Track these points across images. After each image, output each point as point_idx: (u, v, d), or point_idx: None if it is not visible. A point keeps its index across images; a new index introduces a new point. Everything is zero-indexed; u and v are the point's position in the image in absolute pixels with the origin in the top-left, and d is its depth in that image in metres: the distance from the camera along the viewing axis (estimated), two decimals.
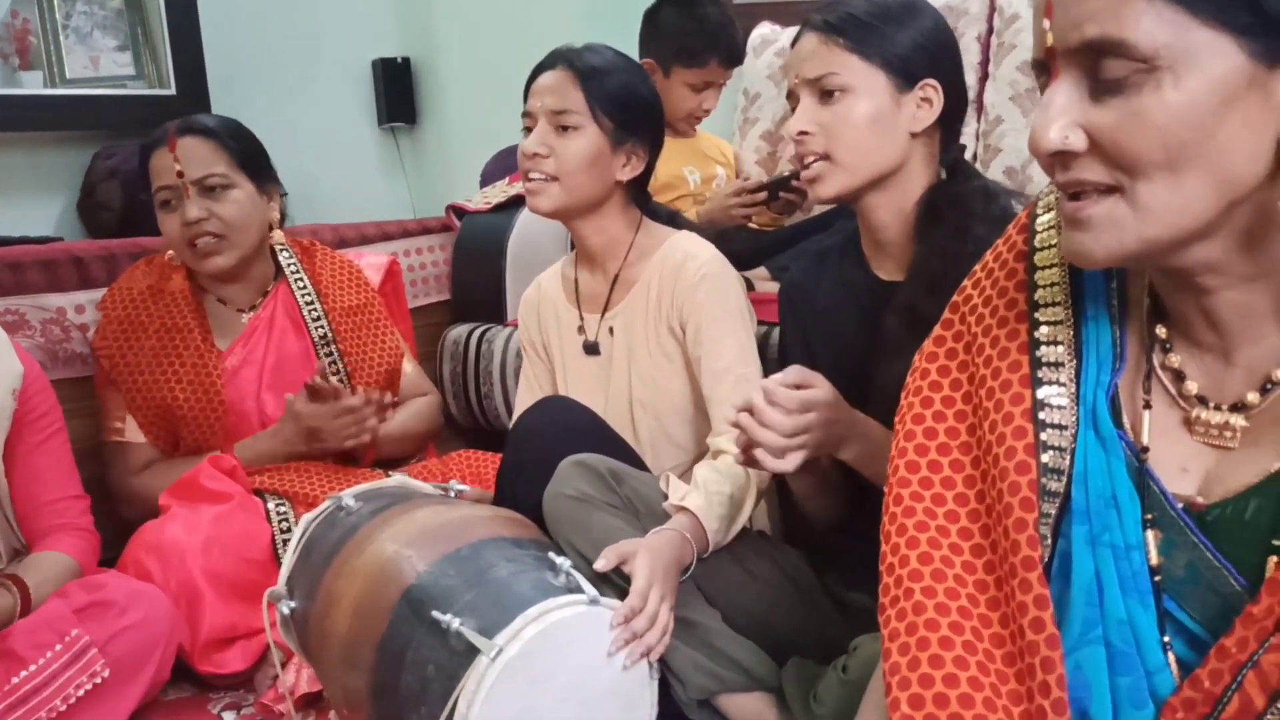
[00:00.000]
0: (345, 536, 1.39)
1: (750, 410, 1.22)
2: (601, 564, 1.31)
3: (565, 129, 1.61)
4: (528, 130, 1.65)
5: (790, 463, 1.24)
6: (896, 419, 0.92)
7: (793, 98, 1.39)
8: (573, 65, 1.62)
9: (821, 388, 1.25)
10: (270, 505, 1.77)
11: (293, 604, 1.41)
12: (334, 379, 1.94)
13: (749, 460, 1.26)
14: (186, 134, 1.88)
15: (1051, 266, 0.86)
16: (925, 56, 1.33)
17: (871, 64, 1.32)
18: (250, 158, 1.94)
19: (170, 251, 1.95)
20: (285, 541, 1.69)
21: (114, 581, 1.57)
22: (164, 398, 1.88)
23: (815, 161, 1.35)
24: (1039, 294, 0.86)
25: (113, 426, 1.92)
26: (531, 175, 1.63)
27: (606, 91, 1.62)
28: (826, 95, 1.33)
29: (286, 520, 1.74)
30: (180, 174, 1.84)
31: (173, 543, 1.63)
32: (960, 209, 1.31)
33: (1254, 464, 0.75)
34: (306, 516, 1.48)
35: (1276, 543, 0.72)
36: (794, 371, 1.26)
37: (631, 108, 1.64)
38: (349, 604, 1.31)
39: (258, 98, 3.25)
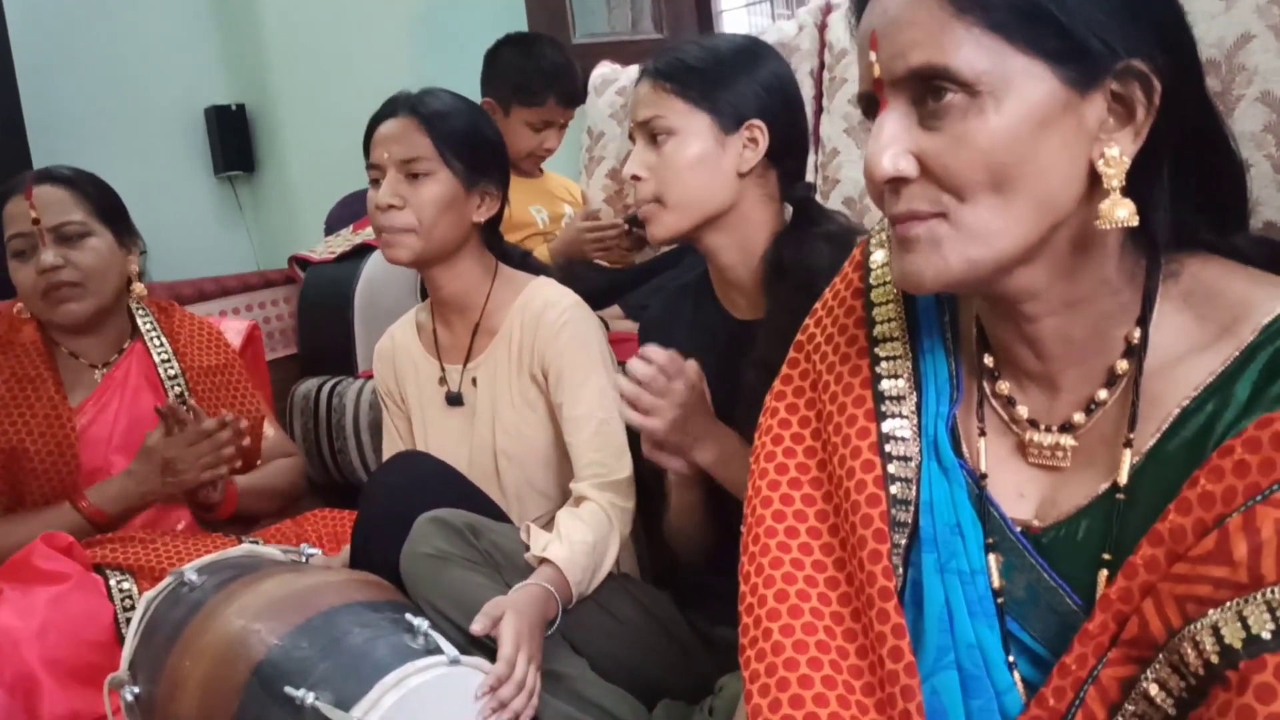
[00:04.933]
0: (189, 614, 1.32)
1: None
2: (478, 627, 1.28)
3: (416, 176, 1.58)
4: (375, 182, 1.61)
5: (654, 422, 1.30)
6: (751, 458, 0.93)
7: (633, 142, 1.42)
8: (415, 111, 1.60)
9: (690, 370, 1.31)
10: (112, 581, 1.66)
11: (136, 689, 1.33)
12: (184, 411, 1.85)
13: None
14: (44, 182, 1.83)
15: (887, 303, 0.88)
16: (752, 99, 1.36)
17: (695, 106, 1.35)
18: (109, 208, 1.89)
19: (19, 305, 1.86)
20: (129, 619, 1.59)
21: None
22: (13, 448, 1.78)
23: (648, 204, 1.38)
24: (877, 330, 0.88)
25: None
26: (387, 227, 1.59)
27: (453, 134, 1.59)
28: (655, 139, 1.36)
29: (130, 597, 1.64)
30: (36, 220, 1.78)
31: (4, 630, 1.51)
32: (802, 262, 1.33)
33: (1083, 486, 0.78)
34: (147, 595, 1.40)
35: (1106, 556, 0.75)
36: (665, 352, 1.32)
37: (479, 148, 1.63)
38: (196, 685, 1.24)
39: (83, 151, 3.10)
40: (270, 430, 2.07)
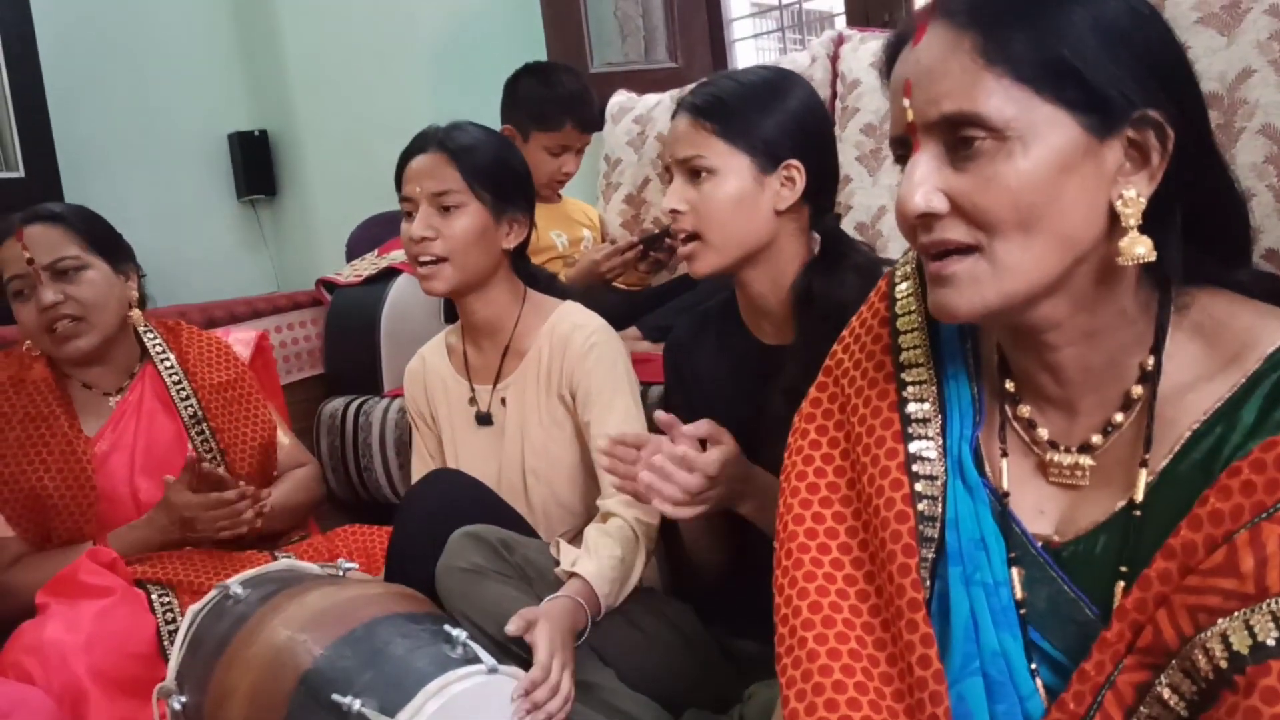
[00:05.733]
0: (235, 626, 1.37)
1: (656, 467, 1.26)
2: (513, 628, 1.32)
3: (448, 209, 1.64)
4: (408, 215, 1.67)
5: (688, 513, 1.27)
6: (781, 476, 0.98)
7: (669, 173, 1.45)
8: (444, 146, 1.66)
9: (728, 444, 1.29)
10: (154, 596, 1.71)
11: (184, 699, 1.37)
12: (208, 459, 1.89)
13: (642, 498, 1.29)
14: (33, 222, 1.84)
15: (913, 331, 0.93)
16: (788, 139, 1.38)
17: (735, 148, 1.37)
18: (101, 238, 1.90)
19: (28, 342, 1.89)
20: (171, 632, 1.64)
21: None
22: (33, 487, 1.81)
23: (687, 241, 1.41)
24: (903, 356, 0.93)
25: None
26: (422, 259, 1.65)
27: (481, 167, 1.66)
28: (695, 175, 1.38)
29: (171, 610, 1.69)
30: (30, 261, 1.80)
31: (53, 642, 1.56)
32: (831, 295, 1.35)
33: (1100, 504, 0.83)
34: (193, 608, 1.45)
35: (1122, 569, 0.80)
36: (705, 425, 1.30)
37: (506, 178, 1.69)
38: (244, 695, 1.29)
39: (111, 176, 3.19)
40: (285, 439, 2.10)
